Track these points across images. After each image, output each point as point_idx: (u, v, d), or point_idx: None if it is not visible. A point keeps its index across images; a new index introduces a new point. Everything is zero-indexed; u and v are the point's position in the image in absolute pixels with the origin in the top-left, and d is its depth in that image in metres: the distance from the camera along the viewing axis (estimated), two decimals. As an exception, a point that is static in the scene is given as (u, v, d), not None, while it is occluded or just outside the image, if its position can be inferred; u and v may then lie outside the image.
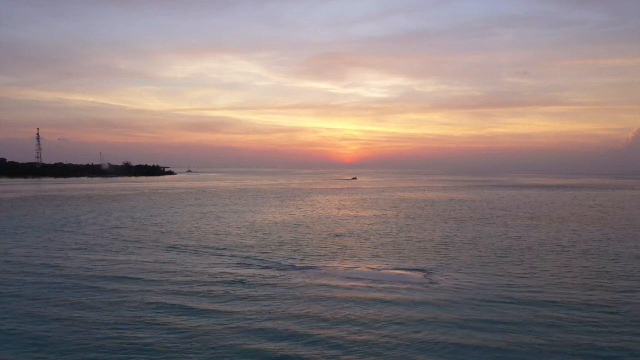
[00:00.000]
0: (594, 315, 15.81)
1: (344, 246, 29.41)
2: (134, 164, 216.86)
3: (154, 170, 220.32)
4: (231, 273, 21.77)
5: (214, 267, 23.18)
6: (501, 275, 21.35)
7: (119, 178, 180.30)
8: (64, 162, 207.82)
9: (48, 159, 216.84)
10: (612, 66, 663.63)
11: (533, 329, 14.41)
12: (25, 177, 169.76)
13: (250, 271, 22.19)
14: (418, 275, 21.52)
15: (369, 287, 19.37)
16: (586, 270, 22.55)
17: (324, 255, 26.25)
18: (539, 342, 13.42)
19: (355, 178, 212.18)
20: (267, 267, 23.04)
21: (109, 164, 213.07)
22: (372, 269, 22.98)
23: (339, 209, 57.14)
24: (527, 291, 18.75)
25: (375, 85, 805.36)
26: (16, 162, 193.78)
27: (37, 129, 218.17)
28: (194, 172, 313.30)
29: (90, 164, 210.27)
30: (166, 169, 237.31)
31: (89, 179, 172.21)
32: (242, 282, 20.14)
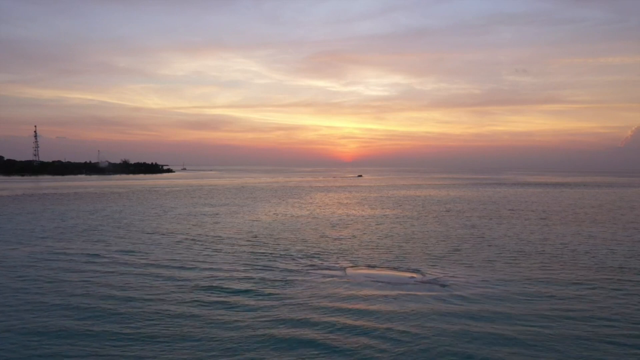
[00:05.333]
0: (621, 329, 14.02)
1: (350, 247, 27.57)
2: (132, 161, 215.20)
3: (153, 168, 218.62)
4: (230, 276, 19.94)
5: (211, 270, 21.32)
6: (521, 280, 19.54)
7: (117, 176, 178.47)
8: (62, 160, 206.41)
9: (46, 156, 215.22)
10: (612, 64, 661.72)
11: (555, 345, 12.64)
12: (22, 175, 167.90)
13: (251, 273, 20.35)
14: (428, 277, 19.72)
15: (376, 289, 17.63)
16: (610, 278, 20.74)
17: (328, 256, 24.43)
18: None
19: (360, 176, 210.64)
20: (269, 269, 21.21)
21: (107, 161, 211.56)
22: (378, 270, 21.21)
23: (343, 207, 55.33)
24: (552, 301, 16.96)
25: (375, 83, 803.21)
26: (14, 160, 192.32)
27: (35, 126, 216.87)
28: (190, 170, 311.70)
29: (88, 161, 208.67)
30: (165, 167, 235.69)
31: (87, 176, 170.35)
32: (242, 284, 18.32)
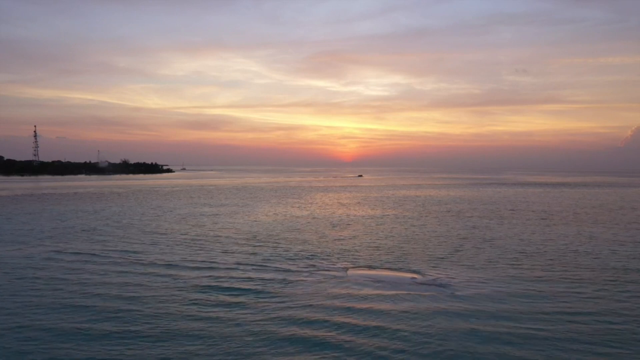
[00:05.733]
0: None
1: (351, 247, 27.40)
2: (132, 161, 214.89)
3: (152, 168, 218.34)
4: (231, 277, 19.76)
5: (211, 270, 21.13)
6: (523, 281, 19.37)
7: (117, 176, 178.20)
8: (62, 160, 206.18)
9: (46, 156, 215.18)
10: (612, 64, 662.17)
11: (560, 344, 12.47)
12: (22, 175, 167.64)
13: (252, 274, 20.19)
14: (430, 278, 19.55)
15: (377, 290, 17.46)
16: (614, 279, 20.57)
17: (329, 257, 24.24)
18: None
19: (361, 175, 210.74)
20: (270, 269, 21.04)
21: (107, 161, 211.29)
22: (380, 271, 21.04)
23: (344, 207, 55.15)
24: (555, 303, 16.79)
25: (374, 83, 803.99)
26: (14, 160, 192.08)
27: (35, 126, 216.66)
28: (190, 170, 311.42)
29: (88, 161, 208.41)
30: (164, 167, 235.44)
31: (86, 176, 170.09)
32: (242, 285, 18.16)
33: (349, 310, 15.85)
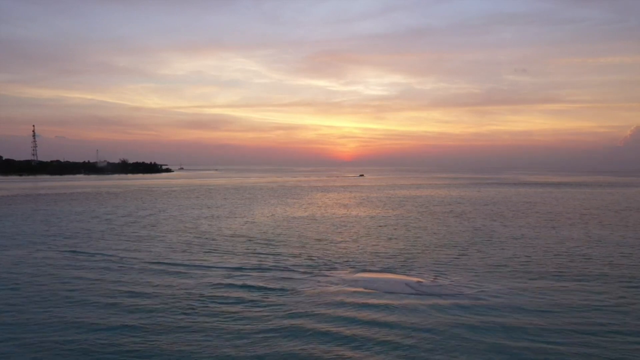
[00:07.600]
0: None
1: (353, 250, 26.58)
2: (131, 161, 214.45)
3: (152, 168, 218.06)
4: (230, 279, 18.94)
5: (205, 277, 20.28)
6: (532, 287, 18.54)
7: (115, 176, 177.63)
8: (61, 160, 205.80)
9: (46, 156, 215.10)
10: (612, 64, 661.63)
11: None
12: (20, 175, 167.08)
13: (251, 277, 19.36)
14: (434, 282, 18.75)
15: (380, 294, 16.76)
16: (631, 286, 19.75)
17: (330, 260, 23.42)
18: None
19: (362, 175, 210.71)
20: (269, 272, 20.20)
21: (106, 161, 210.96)
22: (382, 274, 20.25)
23: (345, 208, 54.32)
24: (565, 306, 15.98)
25: (374, 82, 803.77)
26: (13, 160, 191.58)
27: (33, 126, 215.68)
28: (189, 169, 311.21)
29: (86, 161, 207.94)
30: (164, 167, 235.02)
31: (85, 176, 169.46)
32: (241, 289, 17.34)
33: (351, 315, 15.20)
